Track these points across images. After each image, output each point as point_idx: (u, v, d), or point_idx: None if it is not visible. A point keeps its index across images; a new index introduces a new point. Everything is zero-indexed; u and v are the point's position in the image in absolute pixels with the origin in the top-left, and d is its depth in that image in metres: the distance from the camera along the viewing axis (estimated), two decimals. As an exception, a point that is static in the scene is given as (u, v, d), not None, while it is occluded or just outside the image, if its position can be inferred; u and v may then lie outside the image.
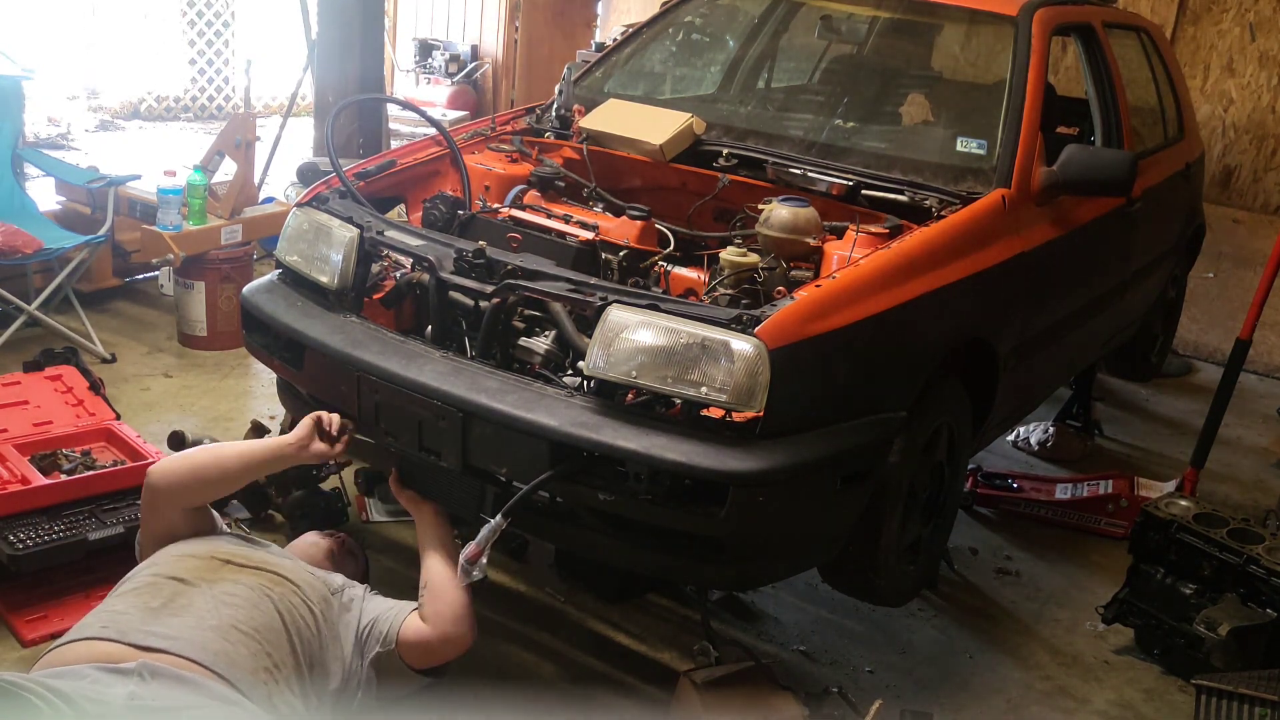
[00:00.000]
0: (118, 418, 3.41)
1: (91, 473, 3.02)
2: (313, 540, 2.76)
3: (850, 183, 3.14)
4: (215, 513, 2.64)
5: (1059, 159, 3.28)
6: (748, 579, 2.84)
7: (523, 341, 2.71)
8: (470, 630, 2.51)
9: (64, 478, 2.97)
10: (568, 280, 2.63)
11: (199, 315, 4.58)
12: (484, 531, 2.42)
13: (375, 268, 2.96)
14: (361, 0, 5.95)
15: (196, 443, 3.38)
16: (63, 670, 1.96)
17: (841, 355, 2.52)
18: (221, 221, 4.67)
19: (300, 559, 2.58)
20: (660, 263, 3.07)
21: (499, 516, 2.43)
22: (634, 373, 2.40)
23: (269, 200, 5.35)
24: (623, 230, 3.06)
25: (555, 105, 3.72)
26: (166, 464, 2.54)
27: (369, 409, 2.67)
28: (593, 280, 2.67)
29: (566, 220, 3.16)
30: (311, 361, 2.86)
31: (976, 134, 3.31)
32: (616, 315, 2.44)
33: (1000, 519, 3.93)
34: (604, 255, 3.01)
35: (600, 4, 9.77)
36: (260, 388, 4.30)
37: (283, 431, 3.52)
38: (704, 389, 2.36)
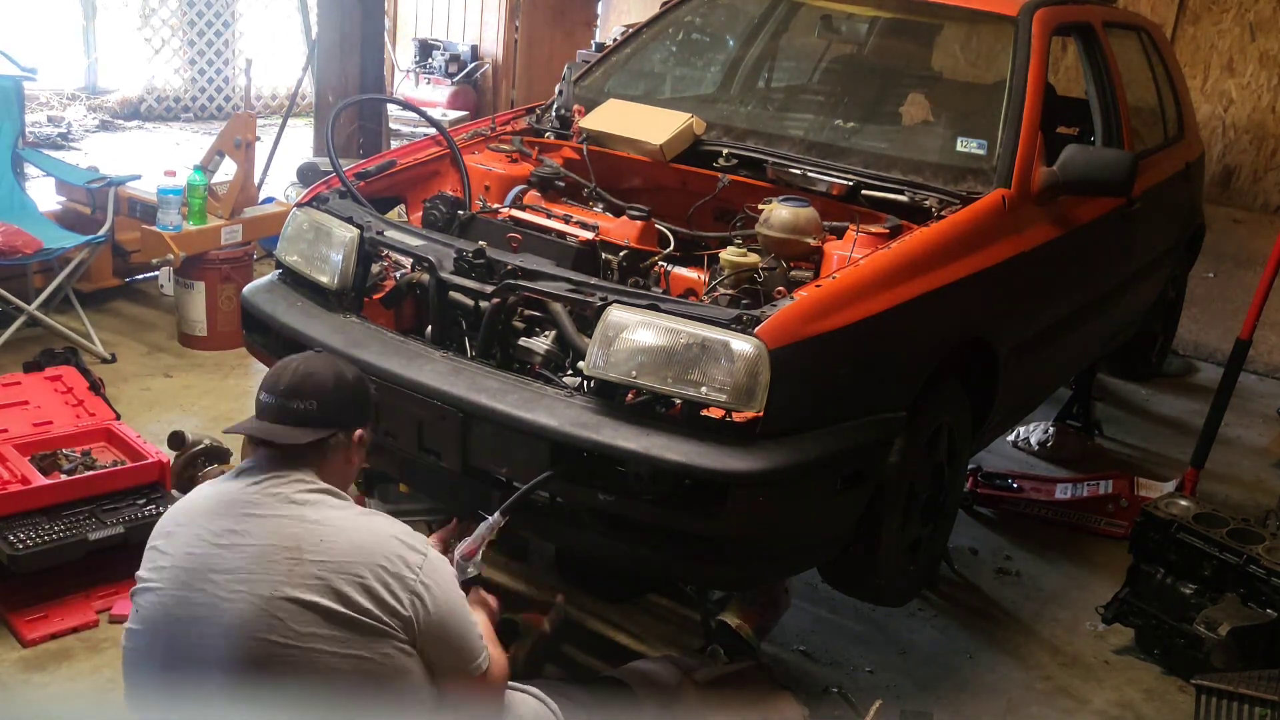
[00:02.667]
0: (118, 418, 3.41)
1: (91, 473, 3.02)
2: None
3: (850, 183, 3.14)
4: None
5: (1059, 159, 3.28)
6: (748, 579, 2.83)
7: (523, 341, 2.71)
8: None
9: (64, 478, 2.97)
10: (568, 280, 2.63)
11: (199, 315, 4.58)
12: (481, 528, 2.42)
13: (375, 268, 2.96)
14: (361, 0, 5.96)
15: (197, 443, 3.39)
16: None
17: (841, 355, 2.52)
18: (221, 221, 4.67)
19: None
20: (660, 263, 3.07)
21: (496, 514, 2.43)
22: (634, 373, 2.40)
23: (269, 200, 5.35)
24: (623, 230, 3.06)
25: (555, 105, 3.71)
26: None
27: (369, 409, 2.67)
28: (593, 280, 2.67)
29: (566, 220, 3.16)
30: (311, 361, 2.86)
31: (976, 134, 3.30)
32: (616, 315, 2.44)
33: (1000, 519, 3.93)
34: (604, 255, 3.01)
35: (600, 4, 9.77)
36: (260, 388, 4.30)
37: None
38: (704, 389, 2.36)
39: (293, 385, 1.94)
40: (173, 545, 1.87)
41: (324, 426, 1.94)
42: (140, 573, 1.89)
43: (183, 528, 1.88)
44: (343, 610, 1.77)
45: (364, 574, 1.79)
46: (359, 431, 2.02)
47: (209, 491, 1.95)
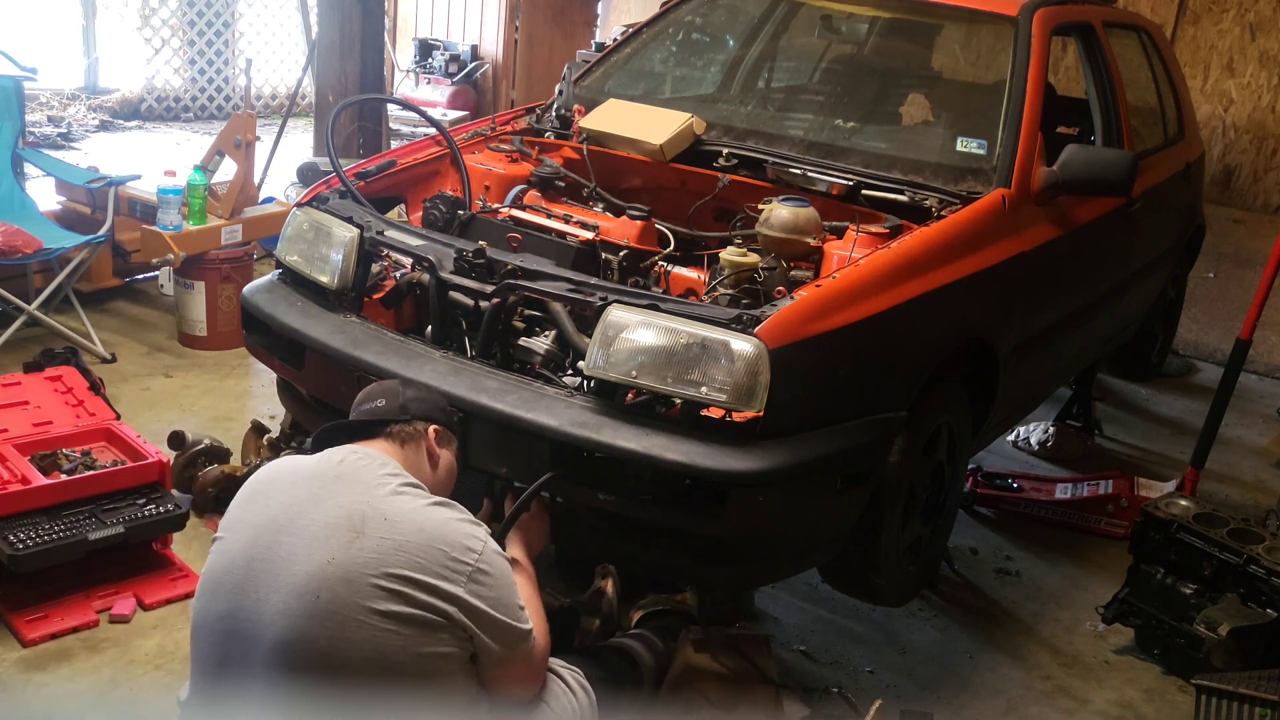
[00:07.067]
0: (118, 418, 3.41)
1: (91, 473, 3.02)
2: None
3: (850, 183, 3.14)
4: None
5: (1059, 159, 3.28)
6: (748, 579, 2.83)
7: (523, 341, 2.71)
8: None
9: (64, 478, 2.97)
10: (568, 280, 2.63)
11: (199, 315, 4.58)
12: None
13: (375, 268, 2.96)
14: (361, 0, 5.96)
15: (197, 443, 3.39)
16: None
17: (842, 355, 2.52)
18: (221, 221, 4.67)
19: None
20: (660, 263, 3.08)
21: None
22: (634, 373, 2.41)
23: (269, 200, 5.35)
24: (623, 230, 3.06)
25: (555, 105, 3.72)
26: None
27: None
28: (593, 280, 2.67)
29: (566, 220, 3.16)
30: (312, 361, 2.86)
31: (976, 134, 3.31)
32: (616, 315, 2.44)
33: (1000, 519, 3.93)
34: (604, 255, 3.01)
35: (600, 4, 9.77)
36: (260, 388, 4.30)
37: (282, 432, 3.52)
38: (704, 389, 2.37)
39: (367, 394, 2.22)
40: (251, 507, 1.97)
41: (390, 413, 2.14)
42: (219, 527, 2.01)
43: (260, 493, 1.99)
44: (391, 592, 1.81)
45: (421, 558, 1.83)
46: (432, 427, 2.18)
47: (292, 462, 2.06)
